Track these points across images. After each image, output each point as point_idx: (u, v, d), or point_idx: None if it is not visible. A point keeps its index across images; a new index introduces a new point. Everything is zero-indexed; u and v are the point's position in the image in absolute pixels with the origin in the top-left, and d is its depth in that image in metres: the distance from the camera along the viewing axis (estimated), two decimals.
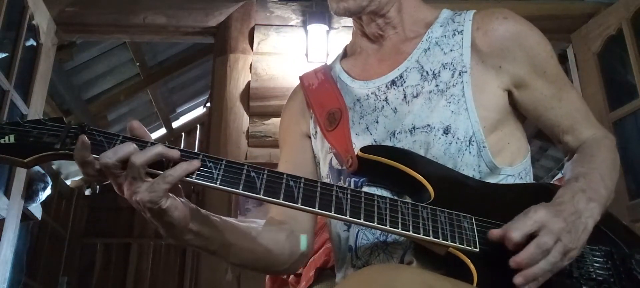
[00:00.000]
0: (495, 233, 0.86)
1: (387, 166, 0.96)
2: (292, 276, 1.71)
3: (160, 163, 0.83)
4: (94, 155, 0.82)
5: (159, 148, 0.83)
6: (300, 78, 1.23)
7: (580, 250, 0.88)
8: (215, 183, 0.84)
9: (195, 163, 0.84)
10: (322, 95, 1.15)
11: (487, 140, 0.99)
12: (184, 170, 0.83)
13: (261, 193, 0.84)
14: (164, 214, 0.83)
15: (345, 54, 1.23)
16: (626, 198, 2.82)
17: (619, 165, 1.07)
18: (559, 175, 5.82)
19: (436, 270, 0.91)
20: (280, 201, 0.84)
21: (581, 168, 1.00)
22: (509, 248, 0.84)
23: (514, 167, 1.04)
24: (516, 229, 0.83)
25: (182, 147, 0.87)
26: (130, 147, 0.82)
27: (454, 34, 1.07)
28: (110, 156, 0.80)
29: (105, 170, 0.81)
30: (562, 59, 3.46)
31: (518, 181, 1.04)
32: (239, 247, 0.99)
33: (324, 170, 1.13)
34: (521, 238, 0.83)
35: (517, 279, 0.82)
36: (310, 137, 1.19)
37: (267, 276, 1.79)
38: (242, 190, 0.84)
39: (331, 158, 1.10)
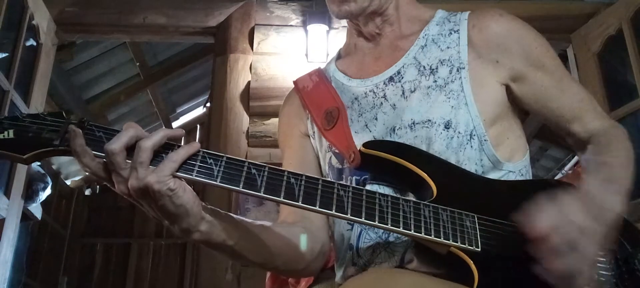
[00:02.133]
0: (522, 220, 0.82)
1: (390, 162, 0.96)
2: None
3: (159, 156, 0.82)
4: (95, 152, 0.81)
5: (164, 131, 0.83)
6: (295, 82, 1.23)
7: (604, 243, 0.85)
8: (216, 181, 0.82)
9: (196, 145, 0.84)
10: (317, 96, 1.15)
11: (487, 133, 1.00)
12: (186, 152, 0.82)
13: (262, 190, 0.83)
14: (174, 197, 0.79)
15: (339, 56, 1.24)
16: None
17: (632, 155, 1.04)
18: (559, 175, 5.82)
19: (438, 269, 0.91)
20: (281, 199, 0.83)
21: (600, 157, 0.99)
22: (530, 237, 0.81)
23: (515, 163, 1.04)
24: (543, 220, 0.80)
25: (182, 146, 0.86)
26: (132, 131, 0.81)
27: (451, 33, 1.08)
28: (115, 142, 0.79)
29: (110, 160, 0.79)
30: (562, 59, 3.46)
31: (519, 178, 1.04)
32: (258, 242, 0.95)
33: (324, 169, 1.13)
34: (548, 229, 0.79)
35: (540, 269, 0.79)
36: (309, 137, 1.19)
37: (267, 276, 1.79)
38: (243, 187, 0.82)
39: (330, 158, 1.10)
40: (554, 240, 0.79)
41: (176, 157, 0.81)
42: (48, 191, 3.88)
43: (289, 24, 3.33)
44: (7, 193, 2.78)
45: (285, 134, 1.23)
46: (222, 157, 0.85)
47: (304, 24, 3.28)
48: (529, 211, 0.83)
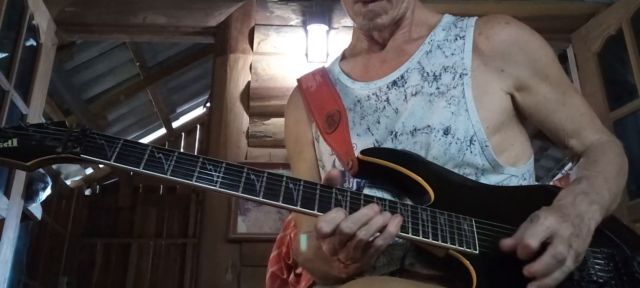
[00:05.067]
0: (507, 243, 0.84)
1: (388, 168, 0.96)
2: (292, 276, 1.71)
3: None
4: (94, 158, 0.84)
5: (396, 225, 0.83)
6: (298, 80, 1.23)
7: (584, 252, 0.87)
8: (215, 186, 0.84)
9: (398, 221, 0.84)
10: (320, 97, 1.15)
11: (489, 140, 0.99)
12: (391, 235, 0.83)
13: (261, 195, 0.85)
14: (366, 265, 0.87)
15: (343, 57, 1.24)
16: (626, 199, 2.81)
17: (626, 170, 1.05)
18: (559, 175, 5.82)
19: (436, 272, 0.92)
20: (280, 203, 0.85)
21: (585, 171, 0.99)
22: (522, 257, 0.82)
23: (519, 168, 1.04)
24: (532, 236, 0.81)
25: (181, 149, 0.87)
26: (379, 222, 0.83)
27: (456, 39, 1.08)
28: (358, 226, 0.81)
29: (342, 240, 0.82)
30: (562, 59, 3.46)
31: (521, 182, 1.04)
32: None
33: (328, 170, 1.12)
34: (538, 247, 0.81)
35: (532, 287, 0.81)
36: (315, 141, 1.18)
37: (267, 275, 1.78)
38: (242, 192, 0.84)
39: (334, 160, 1.10)
40: (546, 258, 0.81)
41: (381, 242, 0.83)
42: (48, 191, 3.88)
43: (289, 24, 3.32)
44: (7, 193, 2.78)
45: (296, 142, 1.21)
46: (222, 163, 0.86)
47: (304, 24, 3.28)
48: (517, 235, 0.84)
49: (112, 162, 0.85)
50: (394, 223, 0.83)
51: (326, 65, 1.27)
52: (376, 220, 0.82)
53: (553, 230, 0.82)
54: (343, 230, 0.80)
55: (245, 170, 0.86)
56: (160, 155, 0.86)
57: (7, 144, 0.84)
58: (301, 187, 0.86)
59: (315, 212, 0.85)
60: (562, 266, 0.81)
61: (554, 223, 0.83)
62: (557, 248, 0.81)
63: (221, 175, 0.85)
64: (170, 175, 0.85)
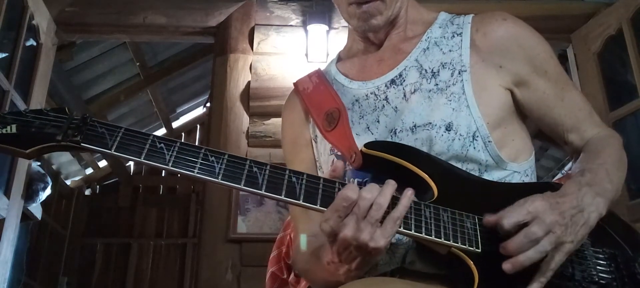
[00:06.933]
0: (490, 219, 0.87)
1: (391, 163, 0.95)
2: (292, 276, 1.71)
3: None
4: (96, 147, 0.82)
5: (392, 186, 0.84)
6: (295, 84, 1.23)
7: (578, 244, 0.87)
8: (217, 178, 0.83)
9: (409, 194, 0.84)
10: (318, 98, 1.15)
11: (491, 135, 1.00)
12: (405, 206, 0.83)
13: (263, 188, 0.84)
14: (380, 253, 0.83)
15: (339, 58, 1.24)
16: (626, 198, 2.82)
17: (626, 163, 1.05)
18: (559, 175, 5.81)
19: (438, 270, 0.92)
20: (282, 197, 0.84)
21: (587, 164, 1.00)
22: (501, 235, 0.84)
23: (521, 164, 1.04)
24: (508, 217, 0.84)
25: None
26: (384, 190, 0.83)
27: (453, 36, 1.08)
28: (371, 192, 0.82)
29: (365, 207, 0.81)
30: (562, 59, 3.46)
31: (524, 179, 1.04)
32: None
33: (327, 171, 1.12)
34: (511, 227, 0.83)
35: (505, 265, 0.83)
36: (312, 142, 1.18)
37: (267, 275, 1.78)
38: (244, 185, 0.83)
39: (333, 160, 1.09)
40: (519, 237, 0.83)
41: (399, 219, 0.82)
42: (48, 191, 3.87)
43: (289, 24, 3.32)
44: (7, 193, 2.78)
45: (293, 143, 1.21)
46: (224, 154, 0.85)
47: (304, 24, 3.28)
48: (500, 213, 0.86)
49: (112, 151, 0.83)
50: (407, 195, 0.84)
51: (323, 66, 1.27)
52: (388, 188, 0.83)
53: (535, 214, 0.84)
54: (364, 196, 0.81)
55: (248, 162, 0.85)
56: (162, 145, 0.85)
57: (6, 130, 0.81)
58: (304, 181, 0.86)
59: (318, 206, 0.84)
60: (535, 246, 0.82)
61: (538, 208, 0.84)
62: (531, 229, 0.83)
63: (223, 167, 0.84)
64: (172, 166, 0.83)
